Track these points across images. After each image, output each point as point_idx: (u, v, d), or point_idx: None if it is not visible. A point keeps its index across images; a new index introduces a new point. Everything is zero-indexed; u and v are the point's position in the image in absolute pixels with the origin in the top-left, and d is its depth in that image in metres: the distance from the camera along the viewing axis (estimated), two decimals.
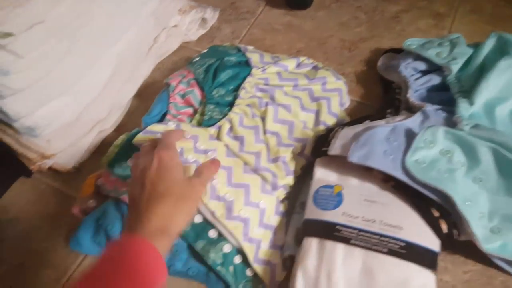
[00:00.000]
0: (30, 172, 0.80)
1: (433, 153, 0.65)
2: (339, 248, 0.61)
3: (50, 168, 0.80)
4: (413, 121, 0.69)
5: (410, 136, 0.66)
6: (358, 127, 0.69)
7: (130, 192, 0.55)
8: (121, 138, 0.73)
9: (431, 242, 0.61)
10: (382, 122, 0.71)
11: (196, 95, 0.80)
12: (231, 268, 0.66)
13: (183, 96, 0.81)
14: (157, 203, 0.50)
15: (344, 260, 0.61)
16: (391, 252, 0.60)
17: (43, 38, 0.65)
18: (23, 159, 0.77)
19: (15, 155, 0.75)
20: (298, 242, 0.66)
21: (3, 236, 0.74)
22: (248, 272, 0.66)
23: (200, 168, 0.59)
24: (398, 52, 0.89)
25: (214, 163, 0.61)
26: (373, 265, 0.60)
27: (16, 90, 0.65)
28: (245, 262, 0.66)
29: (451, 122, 0.70)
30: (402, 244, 0.61)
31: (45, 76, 0.68)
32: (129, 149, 0.71)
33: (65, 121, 0.76)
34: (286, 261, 0.67)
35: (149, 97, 0.90)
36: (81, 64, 0.75)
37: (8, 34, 0.59)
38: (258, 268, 0.65)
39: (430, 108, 0.71)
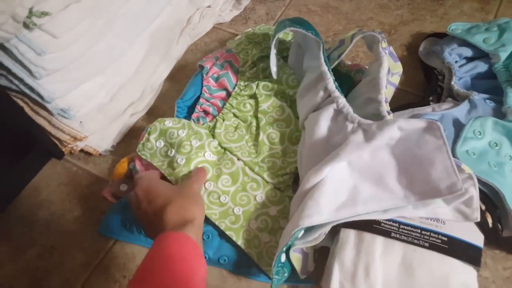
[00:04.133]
0: (62, 154, 0.80)
1: (482, 144, 0.62)
2: (378, 241, 0.60)
3: (82, 150, 0.80)
4: (460, 110, 0.66)
5: (458, 125, 0.64)
6: (403, 115, 0.67)
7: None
8: (154, 127, 0.72)
9: (475, 237, 0.59)
10: (428, 109, 0.68)
11: (230, 77, 0.78)
12: None
13: (216, 79, 0.79)
14: (163, 210, 0.53)
15: (383, 253, 0.59)
16: (433, 247, 0.58)
17: (79, 18, 0.64)
18: (55, 141, 0.77)
19: (47, 136, 0.75)
20: (334, 233, 0.64)
21: (34, 218, 0.74)
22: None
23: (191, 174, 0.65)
24: (441, 36, 0.86)
25: (201, 170, 0.66)
26: (413, 260, 0.58)
27: (51, 71, 0.64)
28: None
29: (499, 112, 0.67)
30: (445, 238, 0.59)
31: (80, 57, 0.67)
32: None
33: (98, 102, 0.75)
34: (315, 253, 0.66)
35: (181, 80, 0.90)
36: (116, 45, 0.74)
37: (44, 13, 0.57)
38: (294, 256, 0.64)
39: (477, 97, 0.68)
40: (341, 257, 0.60)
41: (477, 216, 0.55)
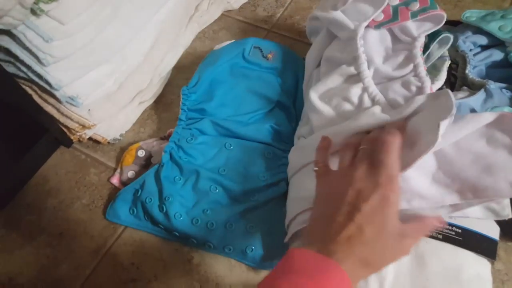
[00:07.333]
0: (70, 142, 0.80)
1: None
2: None
3: (90, 139, 0.80)
4: (476, 100, 0.65)
5: None
6: None
7: (323, 206, 0.48)
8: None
9: (490, 229, 0.58)
10: None
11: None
12: None
13: None
14: (357, 244, 0.43)
15: None
16: (447, 239, 0.57)
17: (86, 5, 0.63)
18: (64, 129, 0.76)
19: (55, 124, 0.75)
20: None
21: (43, 206, 0.74)
22: None
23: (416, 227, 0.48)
24: (455, 24, 0.83)
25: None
26: (425, 251, 0.57)
27: (59, 58, 0.63)
28: None
29: None
30: (459, 230, 0.58)
31: (88, 44, 0.66)
32: None
33: (107, 90, 0.74)
34: None
35: (189, 68, 0.89)
36: (124, 32, 0.73)
37: None
38: None
39: (493, 86, 0.67)
40: None
41: (509, 213, 0.53)
